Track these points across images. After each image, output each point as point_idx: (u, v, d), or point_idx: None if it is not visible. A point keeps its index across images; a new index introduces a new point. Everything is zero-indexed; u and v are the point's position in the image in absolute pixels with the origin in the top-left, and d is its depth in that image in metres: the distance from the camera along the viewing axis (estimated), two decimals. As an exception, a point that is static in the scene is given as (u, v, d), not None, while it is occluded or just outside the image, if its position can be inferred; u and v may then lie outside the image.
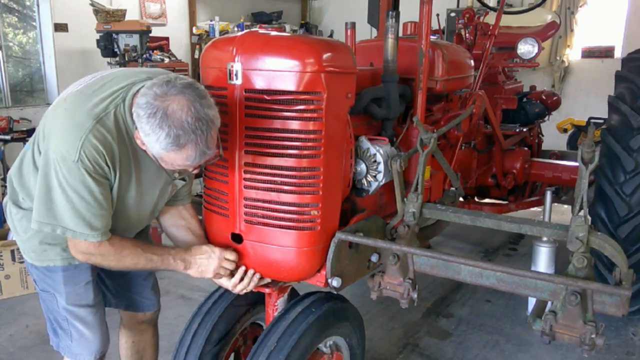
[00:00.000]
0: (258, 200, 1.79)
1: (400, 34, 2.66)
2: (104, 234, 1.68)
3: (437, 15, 4.40)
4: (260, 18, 9.71)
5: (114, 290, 2.14)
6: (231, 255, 1.87)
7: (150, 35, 6.94)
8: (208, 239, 2.01)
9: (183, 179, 1.93)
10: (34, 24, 7.00)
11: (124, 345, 2.28)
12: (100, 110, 1.62)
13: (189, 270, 1.86)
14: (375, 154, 2.00)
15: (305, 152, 1.72)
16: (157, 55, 7.51)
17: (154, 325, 2.31)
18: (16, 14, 7.00)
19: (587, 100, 8.03)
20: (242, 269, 1.89)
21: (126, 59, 6.53)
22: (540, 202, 3.95)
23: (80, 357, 1.94)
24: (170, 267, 1.83)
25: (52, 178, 1.60)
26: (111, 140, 1.62)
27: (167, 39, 8.21)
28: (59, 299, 1.88)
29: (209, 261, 1.85)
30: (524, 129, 3.99)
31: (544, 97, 4.38)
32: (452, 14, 8.32)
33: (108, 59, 6.81)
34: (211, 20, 8.73)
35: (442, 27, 5.63)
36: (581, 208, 1.64)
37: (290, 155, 1.72)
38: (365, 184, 2.04)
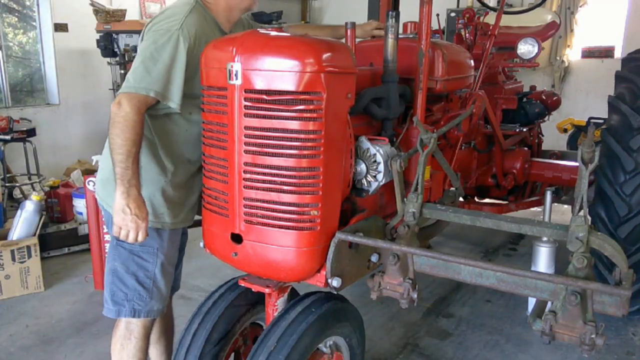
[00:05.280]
0: (258, 200, 1.79)
1: (400, 34, 2.66)
2: (156, 93, 1.87)
3: (437, 15, 4.39)
4: (260, 18, 9.69)
5: None
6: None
7: (151, 35, 6.93)
8: (207, 239, 2.01)
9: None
10: (34, 24, 7.00)
11: None
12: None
13: (118, 198, 1.85)
14: (375, 154, 2.00)
15: (305, 152, 1.72)
16: (157, 55, 7.50)
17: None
18: (16, 14, 7.00)
19: (587, 100, 8.03)
20: None
21: (126, 59, 6.51)
22: (540, 202, 3.95)
23: (153, 312, 2.11)
24: (117, 177, 1.84)
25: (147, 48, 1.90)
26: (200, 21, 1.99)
27: (167, 38, 8.20)
28: (160, 256, 2.08)
29: (127, 217, 1.85)
30: (524, 129, 3.98)
31: (544, 97, 4.38)
32: (452, 14, 8.32)
33: (108, 59, 6.81)
34: (211, 20, 8.72)
35: (442, 27, 5.62)
36: (581, 208, 1.64)
37: (290, 155, 1.72)
38: (365, 184, 2.04)
